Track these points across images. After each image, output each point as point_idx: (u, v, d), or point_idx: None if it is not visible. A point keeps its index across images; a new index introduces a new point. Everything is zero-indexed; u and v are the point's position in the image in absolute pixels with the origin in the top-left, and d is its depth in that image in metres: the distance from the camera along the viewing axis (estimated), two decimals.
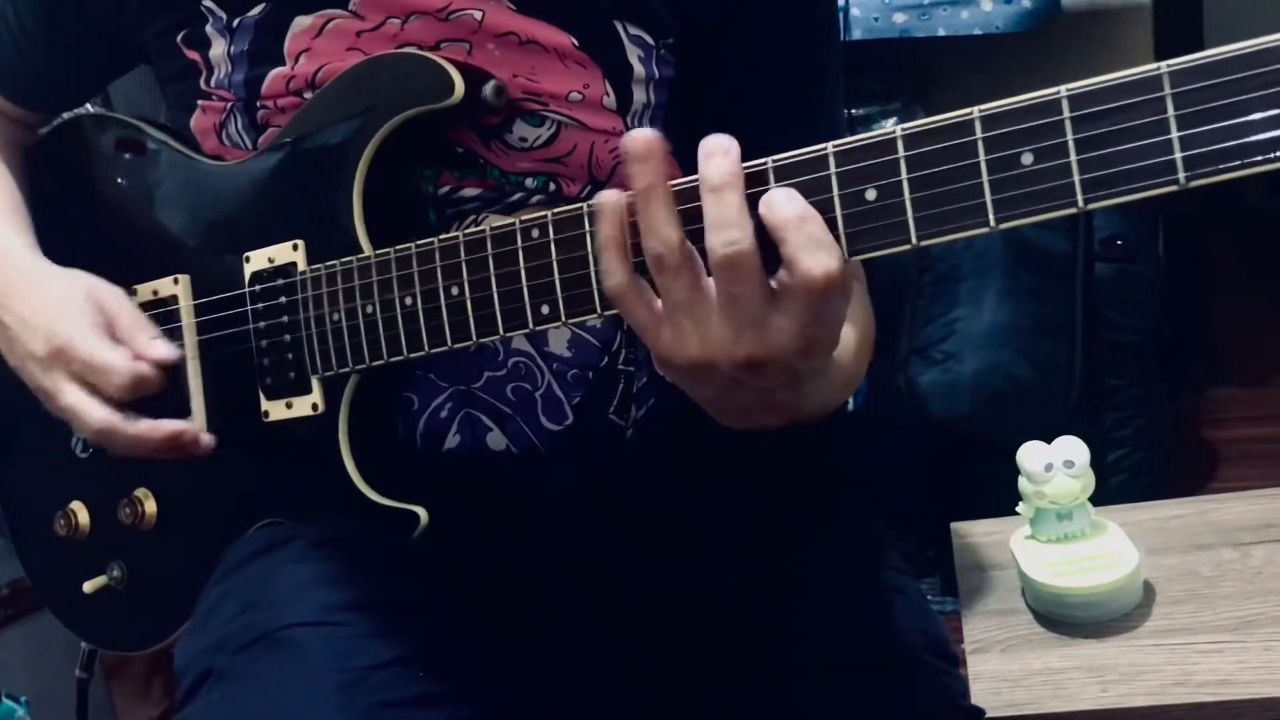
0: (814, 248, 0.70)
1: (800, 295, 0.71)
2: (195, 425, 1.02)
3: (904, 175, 0.69)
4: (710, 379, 0.76)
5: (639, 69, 0.95)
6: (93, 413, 0.98)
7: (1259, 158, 0.60)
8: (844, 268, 0.71)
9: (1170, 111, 0.62)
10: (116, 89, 1.30)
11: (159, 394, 1.02)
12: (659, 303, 0.75)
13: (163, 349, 1.00)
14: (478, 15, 0.94)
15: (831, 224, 0.71)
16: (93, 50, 1.12)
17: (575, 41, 0.94)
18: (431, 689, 0.87)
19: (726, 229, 0.71)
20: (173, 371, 1.02)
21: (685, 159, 0.98)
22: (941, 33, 2.28)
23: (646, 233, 0.73)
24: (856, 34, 2.29)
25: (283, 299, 0.98)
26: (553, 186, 0.97)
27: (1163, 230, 2.43)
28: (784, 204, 0.71)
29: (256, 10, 0.98)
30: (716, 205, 0.72)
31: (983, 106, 0.67)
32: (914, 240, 0.70)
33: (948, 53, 2.40)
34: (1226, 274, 3.20)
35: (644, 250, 0.74)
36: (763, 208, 0.72)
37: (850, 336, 0.95)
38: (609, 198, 0.75)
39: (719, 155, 0.72)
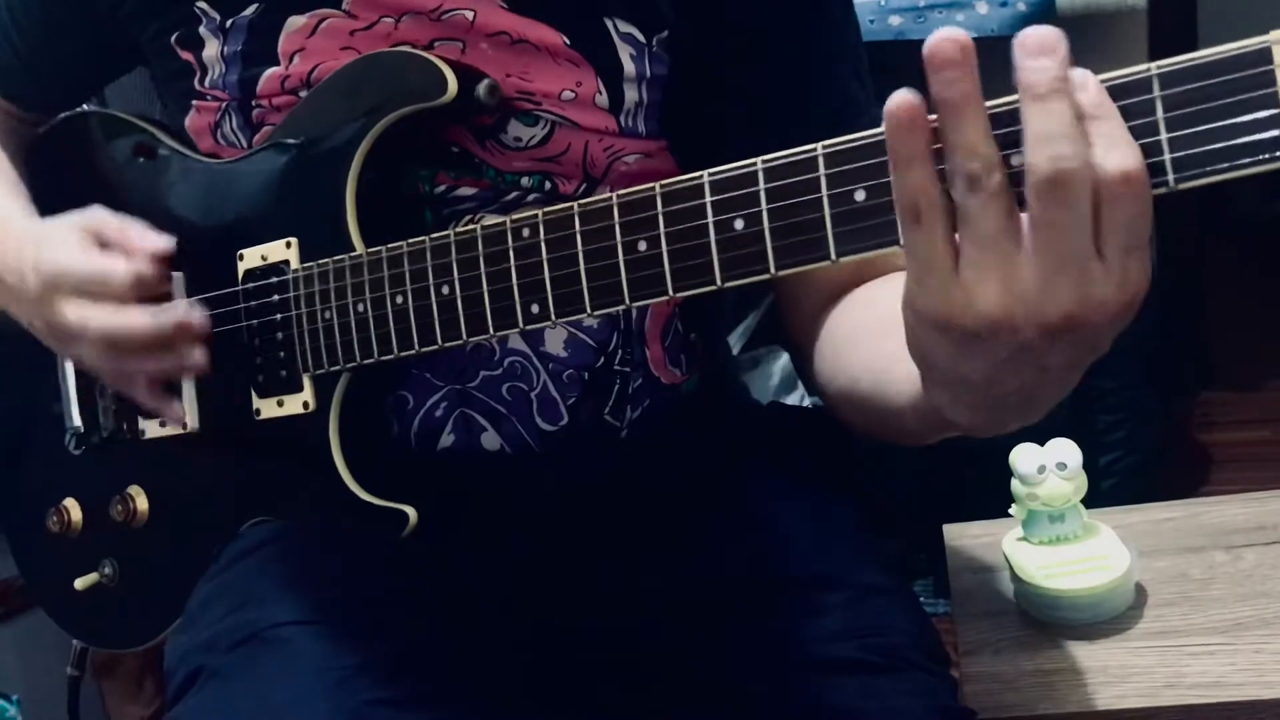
0: (1111, 143, 0.60)
1: (1106, 202, 0.60)
2: (188, 423, 1.02)
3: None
4: (998, 346, 0.63)
5: (630, 67, 0.95)
6: (96, 315, 0.96)
7: (1248, 159, 0.60)
8: (1148, 177, 0.61)
9: (1160, 113, 0.61)
10: (112, 87, 1.30)
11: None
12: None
13: (155, 239, 0.99)
14: (470, 15, 0.94)
15: (820, 224, 0.71)
16: (89, 52, 1.12)
17: (566, 40, 0.94)
18: (422, 688, 0.87)
19: (1054, 142, 0.59)
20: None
21: (681, 157, 0.99)
22: None
23: (960, 151, 0.61)
24: None
25: (275, 297, 0.98)
26: (548, 185, 0.97)
27: (1156, 234, 2.43)
28: (1093, 92, 0.61)
29: (250, 10, 0.98)
30: (1043, 116, 0.60)
31: None
32: (903, 242, 0.69)
33: None
34: (1219, 277, 3.20)
35: (951, 173, 0.62)
36: (1077, 87, 0.61)
37: None
38: (905, 100, 0.63)
39: (1044, 56, 0.60)
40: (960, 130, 0.61)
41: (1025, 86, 0.60)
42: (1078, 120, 0.60)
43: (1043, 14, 2.28)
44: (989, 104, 0.62)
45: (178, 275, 1.04)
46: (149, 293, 0.98)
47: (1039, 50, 0.60)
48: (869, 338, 0.90)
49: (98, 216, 1.01)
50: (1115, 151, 0.60)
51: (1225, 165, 0.60)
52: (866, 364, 0.88)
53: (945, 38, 0.61)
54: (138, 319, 0.96)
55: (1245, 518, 1.35)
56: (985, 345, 0.63)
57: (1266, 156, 0.59)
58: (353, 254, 0.93)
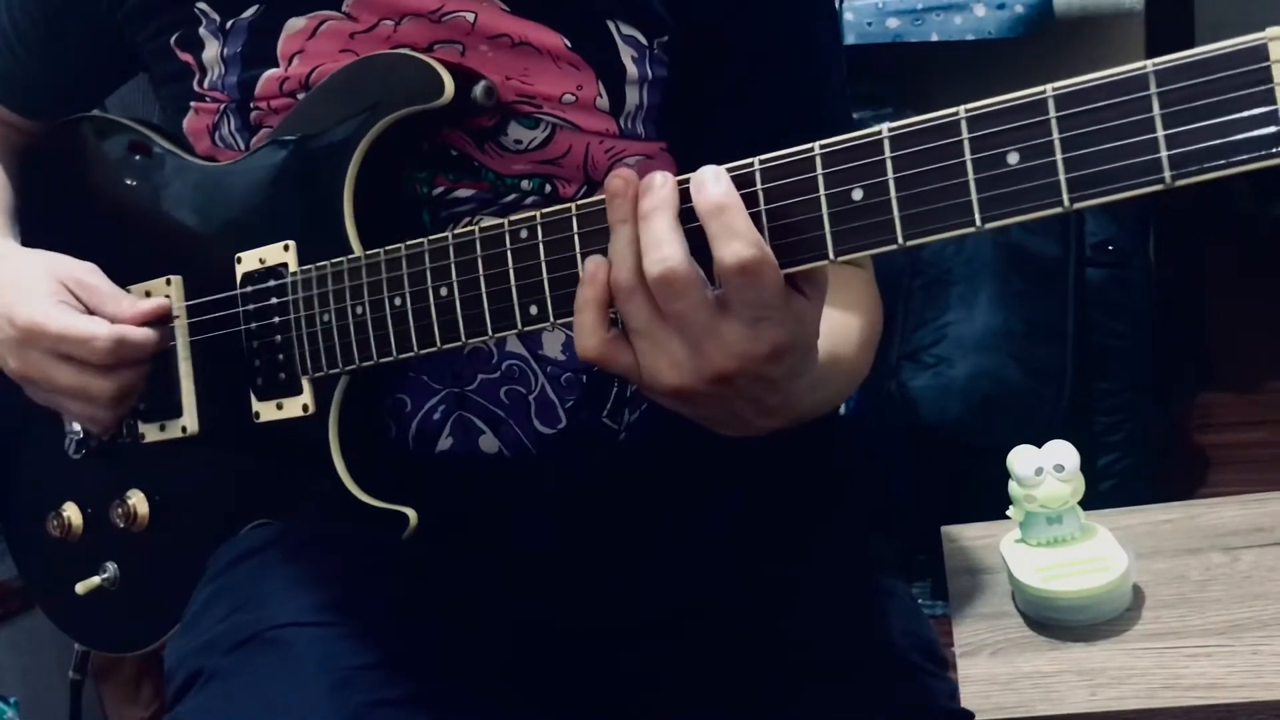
0: (728, 236, 0.71)
1: (727, 287, 0.72)
2: (188, 426, 1.02)
3: (890, 175, 0.69)
4: (695, 400, 0.77)
5: (632, 70, 0.96)
6: (63, 376, 1.00)
7: (1244, 156, 0.60)
8: (766, 259, 0.71)
9: (1156, 110, 0.62)
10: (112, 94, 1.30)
11: (150, 393, 1.02)
12: (631, 349, 0.77)
13: (149, 303, 1.01)
14: (470, 17, 0.94)
15: (817, 223, 0.71)
16: (90, 56, 1.12)
17: (568, 42, 0.95)
18: (421, 689, 0.87)
19: (657, 248, 0.72)
20: (165, 371, 1.03)
21: (682, 159, 0.99)
22: (935, 38, 2.28)
23: (613, 261, 0.75)
24: (850, 39, 2.29)
25: (273, 300, 0.98)
26: (548, 188, 0.97)
27: (1154, 235, 2.43)
28: (708, 189, 0.72)
29: (249, 12, 0.99)
30: (646, 228, 0.73)
31: (969, 106, 0.67)
32: (900, 240, 0.70)
33: (941, 58, 2.40)
34: (1217, 278, 3.21)
35: (611, 281, 0.75)
36: (692, 189, 0.73)
37: (854, 329, 0.95)
38: (595, 261, 0.77)
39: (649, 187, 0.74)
40: (614, 246, 0.75)
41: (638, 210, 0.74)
42: (678, 230, 0.73)
43: (1039, 16, 2.28)
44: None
45: (176, 279, 1.04)
46: (133, 356, 1.00)
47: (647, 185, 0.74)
48: None
49: (78, 274, 1.03)
50: (734, 243, 0.71)
51: (1222, 162, 0.60)
52: None
53: (615, 175, 0.75)
54: (100, 386, 1.00)
55: (1243, 519, 1.35)
56: (685, 402, 0.77)
57: (1263, 153, 0.59)
58: (351, 256, 0.93)
